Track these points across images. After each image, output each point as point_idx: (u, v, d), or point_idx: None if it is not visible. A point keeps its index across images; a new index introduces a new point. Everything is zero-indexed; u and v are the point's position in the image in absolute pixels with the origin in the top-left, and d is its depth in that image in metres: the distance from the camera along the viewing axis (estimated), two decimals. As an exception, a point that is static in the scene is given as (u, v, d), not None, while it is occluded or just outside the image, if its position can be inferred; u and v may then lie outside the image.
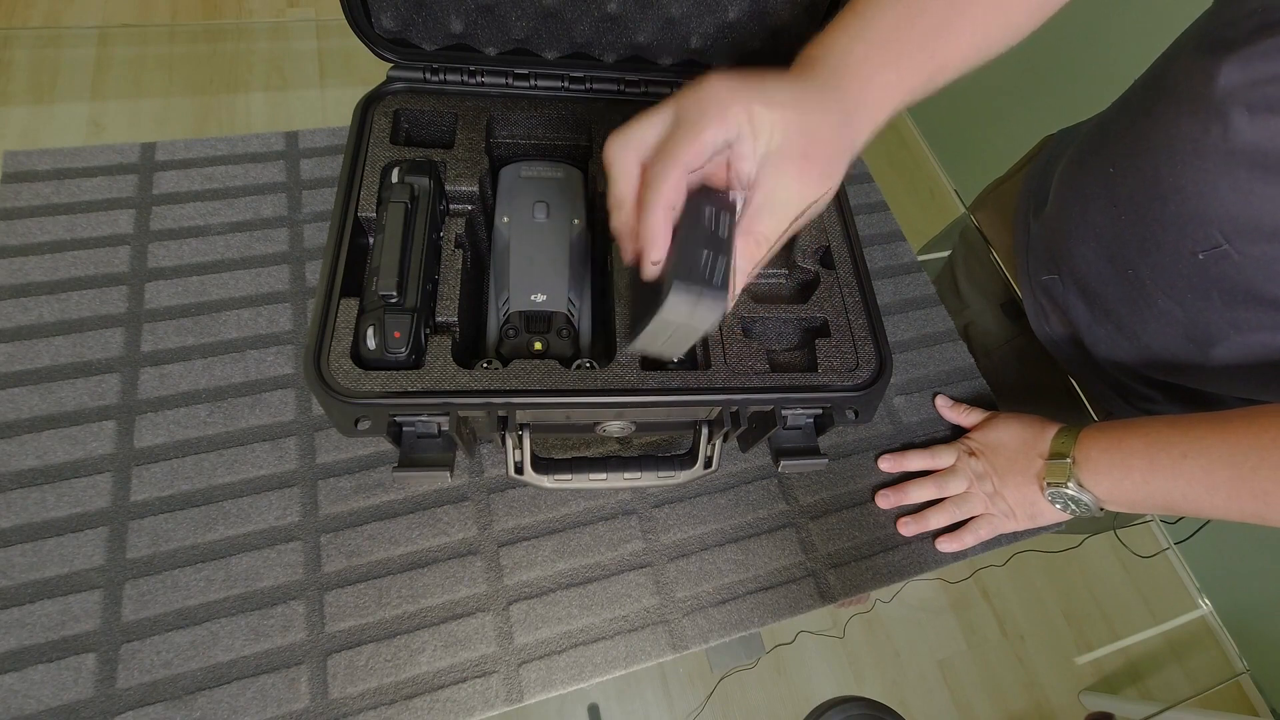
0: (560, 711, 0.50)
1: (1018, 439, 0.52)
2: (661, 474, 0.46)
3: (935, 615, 0.62)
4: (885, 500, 0.55)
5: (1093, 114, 0.61)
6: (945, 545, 0.53)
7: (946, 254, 0.77)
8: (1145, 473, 0.44)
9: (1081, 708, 0.61)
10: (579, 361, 0.46)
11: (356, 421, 0.41)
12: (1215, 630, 0.61)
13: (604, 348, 0.50)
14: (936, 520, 0.53)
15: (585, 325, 0.50)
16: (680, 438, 0.55)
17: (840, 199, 0.56)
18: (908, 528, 0.54)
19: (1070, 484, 0.47)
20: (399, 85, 0.55)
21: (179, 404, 0.51)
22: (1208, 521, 0.87)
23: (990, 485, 0.53)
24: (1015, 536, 0.54)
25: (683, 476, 0.46)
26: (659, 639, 0.48)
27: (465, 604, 0.47)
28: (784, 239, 0.33)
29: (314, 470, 0.50)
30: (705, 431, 0.46)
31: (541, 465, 0.45)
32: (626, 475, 0.45)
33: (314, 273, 0.58)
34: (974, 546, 0.53)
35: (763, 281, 0.55)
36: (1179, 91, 0.45)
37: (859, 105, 0.33)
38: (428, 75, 0.54)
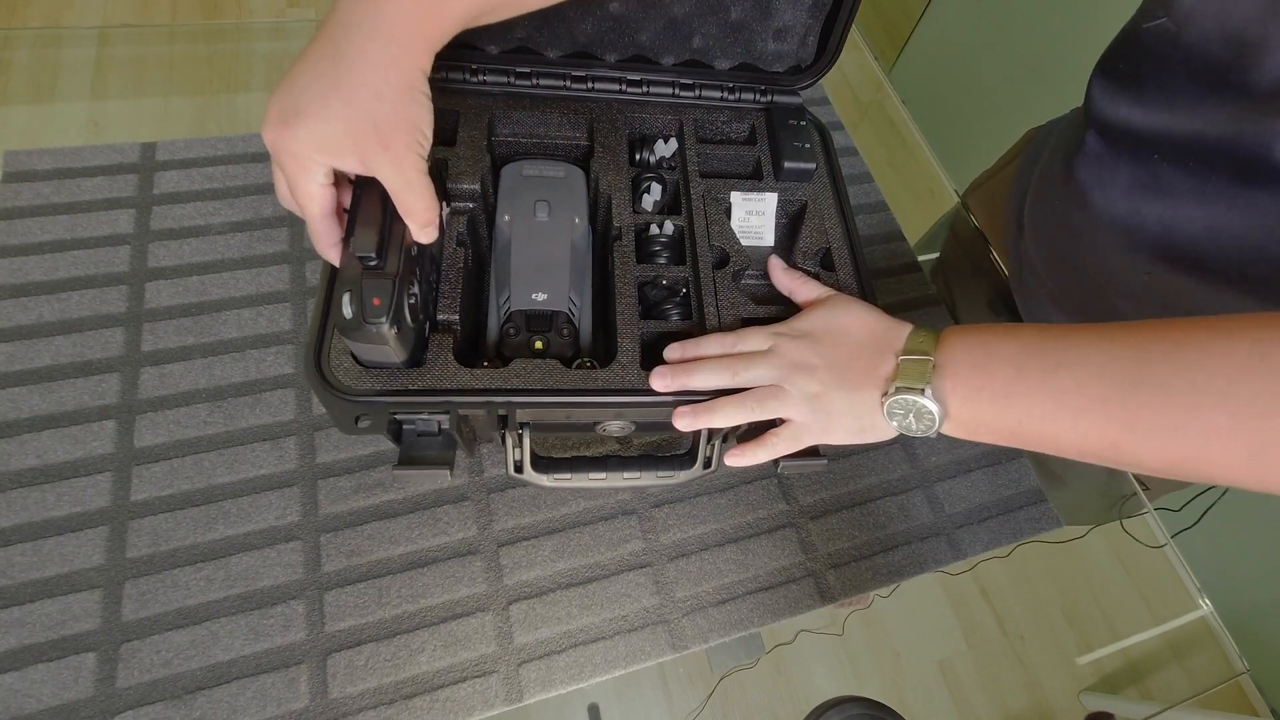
0: (560, 711, 0.50)
1: (868, 330, 0.42)
2: (661, 474, 0.46)
3: (934, 616, 0.62)
4: (661, 381, 0.42)
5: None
6: (732, 458, 0.44)
7: (934, 256, 0.78)
8: (1008, 382, 0.36)
9: (1081, 708, 0.61)
10: (579, 361, 0.46)
11: (357, 419, 0.41)
12: (1215, 630, 0.61)
13: (604, 347, 0.50)
14: (725, 417, 0.41)
15: (586, 324, 0.50)
16: (680, 438, 0.55)
17: (840, 199, 0.56)
18: (684, 419, 0.42)
19: (926, 390, 0.37)
20: (399, 85, 0.54)
21: (179, 404, 0.51)
22: (1207, 510, 0.87)
23: (815, 384, 0.41)
24: (817, 453, 0.45)
25: (682, 476, 0.46)
26: (659, 639, 0.48)
27: (465, 604, 0.47)
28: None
29: (314, 470, 0.50)
30: (705, 431, 0.46)
31: (541, 464, 0.45)
32: (626, 475, 0.45)
33: (314, 273, 0.58)
34: (766, 463, 0.44)
35: (764, 282, 0.55)
36: (1078, 197, 0.47)
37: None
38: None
